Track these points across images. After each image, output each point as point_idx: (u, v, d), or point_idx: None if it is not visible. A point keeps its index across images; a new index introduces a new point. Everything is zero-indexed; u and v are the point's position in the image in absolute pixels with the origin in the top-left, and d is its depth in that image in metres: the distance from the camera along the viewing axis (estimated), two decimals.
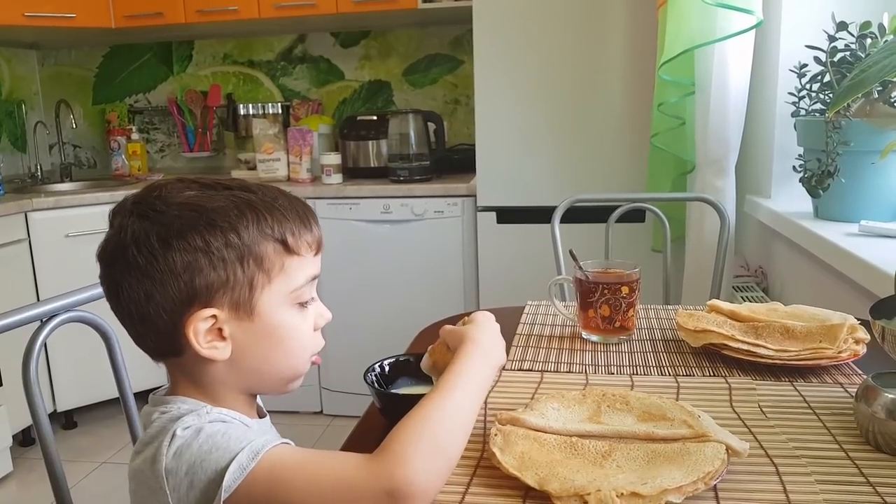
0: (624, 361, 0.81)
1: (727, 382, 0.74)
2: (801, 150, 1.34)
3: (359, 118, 2.38)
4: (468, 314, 0.66)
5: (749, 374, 0.76)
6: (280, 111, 2.64)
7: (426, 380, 0.71)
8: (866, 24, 1.19)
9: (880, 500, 0.52)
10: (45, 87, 2.88)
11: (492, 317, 0.65)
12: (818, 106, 1.31)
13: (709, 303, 0.89)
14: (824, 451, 0.59)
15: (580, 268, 0.87)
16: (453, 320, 0.70)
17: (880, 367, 0.68)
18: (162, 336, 0.54)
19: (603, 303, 0.85)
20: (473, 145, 2.03)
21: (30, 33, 2.51)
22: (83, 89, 2.85)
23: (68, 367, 2.20)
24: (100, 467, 2.06)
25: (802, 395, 0.70)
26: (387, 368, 0.73)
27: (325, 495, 0.47)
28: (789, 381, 0.74)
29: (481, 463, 0.58)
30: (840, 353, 0.75)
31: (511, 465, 0.54)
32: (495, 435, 0.59)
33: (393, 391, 0.71)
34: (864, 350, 0.77)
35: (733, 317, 0.85)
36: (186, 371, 0.56)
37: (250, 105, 2.68)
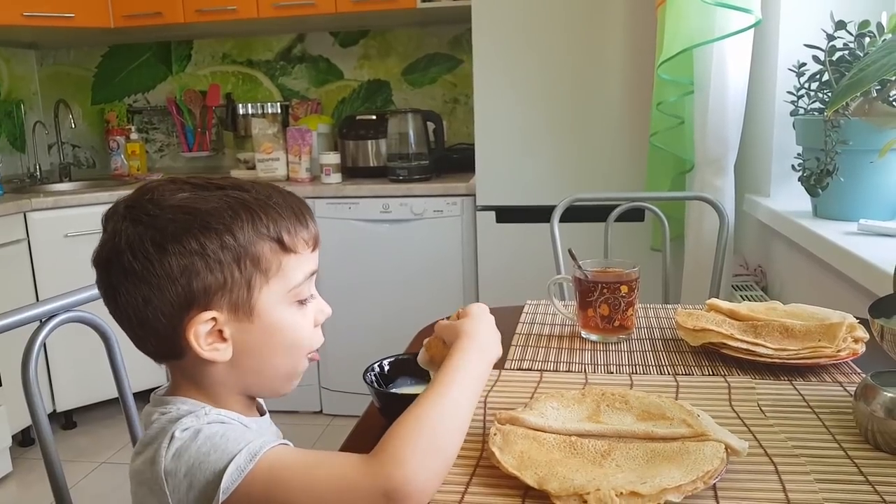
0: (623, 361, 0.81)
1: (726, 381, 0.74)
2: (799, 149, 1.34)
3: (358, 118, 2.38)
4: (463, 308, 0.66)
5: (748, 373, 0.76)
6: (279, 111, 2.64)
7: (426, 379, 0.71)
8: (865, 23, 1.19)
9: (879, 498, 0.52)
10: (43, 86, 2.88)
11: (486, 308, 0.64)
12: (817, 105, 1.31)
13: (708, 302, 0.89)
14: (823, 450, 0.59)
15: (579, 267, 0.87)
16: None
17: (879, 365, 0.68)
18: (162, 339, 0.54)
19: (602, 302, 0.85)
20: (472, 145, 2.03)
21: (29, 33, 2.51)
22: (82, 89, 2.85)
23: (68, 368, 2.20)
24: (99, 467, 2.06)
25: (801, 394, 0.70)
26: (386, 368, 0.73)
27: (322, 496, 0.47)
28: (788, 380, 0.74)
29: (480, 462, 0.58)
30: (839, 351, 0.75)
31: (510, 464, 0.54)
32: (494, 434, 0.59)
33: (392, 391, 0.71)
34: (863, 349, 0.77)
35: (732, 316, 0.85)
36: (187, 373, 0.56)
37: (249, 105, 2.68)
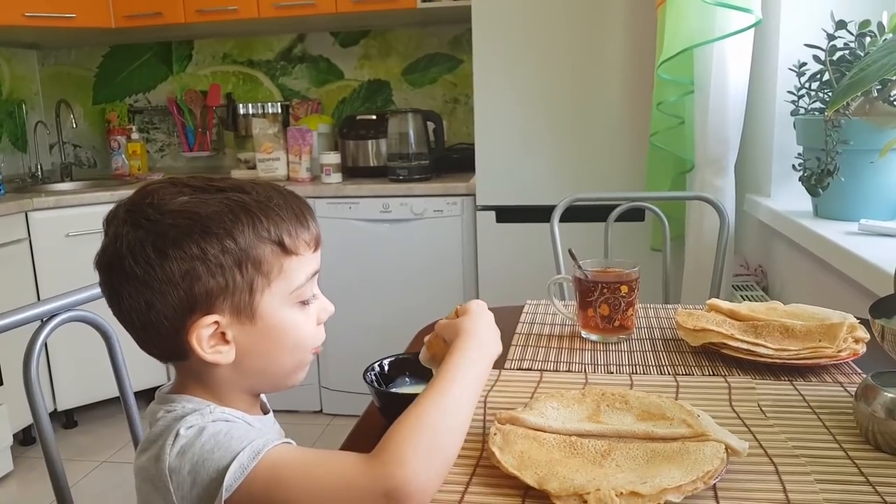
0: (623, 361, 0.81)
1: (726, 382, 0.74)
2: (800, 149, 1.34)
3: (358, 117, 2.38)
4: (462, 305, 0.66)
5: (748, 374, 0.76)
6: (279, 111, 2.64)
7: (426, 379, 0.71)
8: (865, 23, 1.19)
9: (880, 499, 0.52)
10: (45, 86, 2.88)
11: (485, 305, 0.64)
12: (817, 105, 1.31)
13: (708, 302, 0.89)
14: (824, 451, 0.59)
15: (579, 267, 0.87)
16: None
17: (880, 366, 0.68)
18: (165, 342, 0.54)
19: (602, 302, 0.85)
20: (473, 144, 2.03)
21: (30, 33, 2.51)
22: (83, 89, 2.85)
23: (69, 366, 2.21)
24: (100, 466, 2.07)
25: (802, 395, 0.70)
26: (386, 367, 0.73)
27: (323, 495, 0.47)
28: (789, 380, 0.74)
29: (480, 462, 0.58)
30: (840, 352, 0.75)
31: (510, 464, 0.55)
32: (494, 434, 0.59)
33: (392, 390, 0.71)
34: (864, 349, 0.77)
35: (733, 316, 0.85)
36: (192, 373, 0.56)
37: (250, 105, 2.68)
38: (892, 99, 1.17)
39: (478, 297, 2.17)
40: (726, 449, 0.54)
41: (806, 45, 1.27)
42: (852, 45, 1.21)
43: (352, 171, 2.34)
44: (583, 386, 0.73)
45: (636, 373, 0.78)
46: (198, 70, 2.77)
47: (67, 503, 0.79)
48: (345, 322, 2.18)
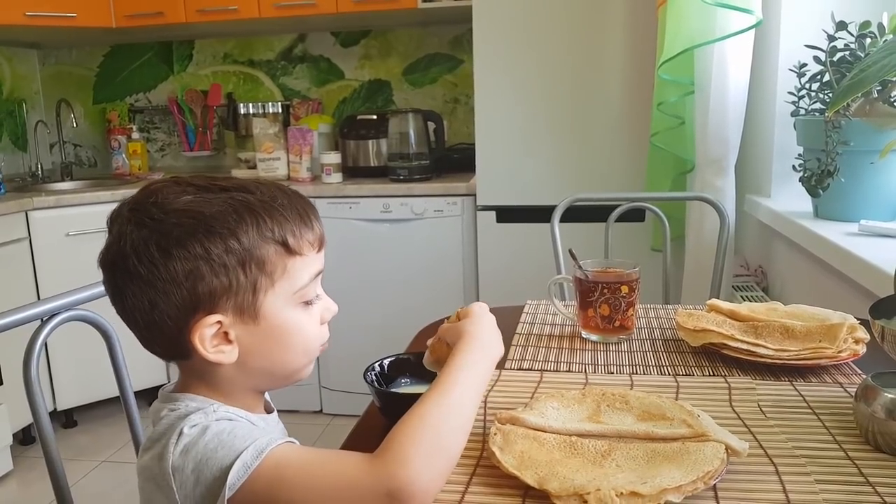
0: (623, 361, 0.81)
1: (727, 382, 0.74)
2: (800, 150, 1.34)
3: (359, 117, 2.38)
4: (463, 308, 0.66)
5: (748, 374, 0.76)
6: (280, 110, 2.64)
7: (426, 378, 0.71)
8: (866, 24, 1.19)
9: (880, 499, 0.52)
10: (45, 86, 2.88)
11: (486, 307, 0.65)
12: (818, 105, 1.31)
13: (708, 302, 0.89)
14: (824, 451, 0.59)
15: (580, 267, 0.87)
16: None
17: (880, 366, 0.68)
18: (169, 341, 0.54)
19: (602, 302, 0.85)
20: (473, 144, 2.03)
21: (31, 33, 2.51)
22: (84, 88, 2.85)
23: (68, 366, 2.21)
24: (100, 466, 2.07)
25: (802, 395, 0.70)
26: (386, 367, 0.73)
27: (325, 494, 0.47)
28: (789, 380, 0.74)
29: (481, 462, 0.58)
30: (840, 352, 0.75)
31: (510, 464, 0.55)
32: (495, 434, 0.59)
33: (393, 390, 0.71)
34: (864, 350, 0.77)
35: (733, 316, 0.85)
36: (196, 372, 0.56)
37: (250, 104, 2.68)
38: (892, 100, 1.17)
39: (478, 298, 2.19)
40: (726, 449, 0.54)
41: (806, 45, 1.27)
42: (853, 45, 1.21)
43: (352, 171, 2.34)
44: (583, 386, 0.74)
45: (636, 373, 0.78)
46: (198, 70, 2.77)
47: (67, 503, 0.79)
48: (345, 322, 2.17)
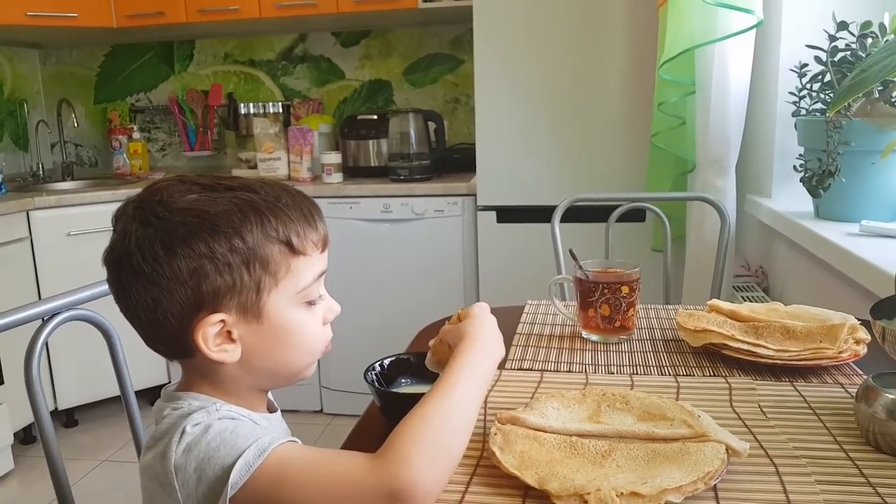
0: (624, 361, 0.81)
1: (727, 382, 0.74)
2: (801, 150, 1.34)
3: (359, 117, 2.39)
4: (465, 308, 0.66)
5: (749, 374, 0.76)
6: (281, 110, 2.65)
7: (426, 379, 0.71)
8: (867, 24, 1.19)
9: (880, 500, 0.52)
10: (46, 86, 2.88)
11: (487, 307, 0.65)
12: (819, 105, 1.31)
13: (709, 302, 0.89)
14: (824, 452, 0.59)
15: (580, 267, 0.87)
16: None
17: (881, 367, 0.68)
18: (172, 339, 0.54)
19: (603, 302, 0.85)
20: (473, 144, 2.03)
21: (32, 33, 2.52)
22: (85, 88, 2.86)
23: (69, 365, 2.21)
24: (100, 465, 2.07)
25: (803, 396, 0.70)
26: (387, 367, 0.73)
27: (328, 494, 0.47)
28: (789, 381, 0.74)
29: (481, 462, 0.58)
30: (840, 353, 0.75)
31: (511, 464, 0.55)
32: (495, 434, 0.59)
33: (393, 390, 0.71)
34: (865, 350, 0.77)
35: (733, 317, 0.85)
36: (198, 370, 0.56)
37: (251, 104, 2.68)
38: (893, 100, 1.17)
39: (478, 298, 2.19)
40: (727, 449, 0.54)
41: (807, 45, 1.27)
42: (853, 46, 1.21)
43: (353, 171, 2.34)
44: (583, 386, 0.74)
45: (637, 373, 0.78)
46: (199, 70, 2.77)
47: (68, 502, 0.79)
48: (345, 322, 2.16)
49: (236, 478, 0.47)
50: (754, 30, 1.40)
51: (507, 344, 0.67)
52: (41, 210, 2.13)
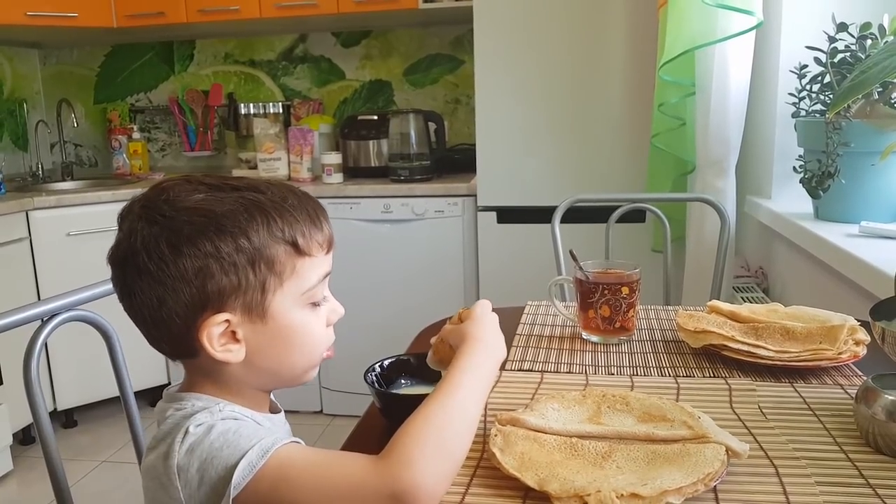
0: (624, 362, 0.81)
1: (727, 383, 0.74)
2: (801, 151, 1.34)
3: (359, 118, 2.39)
4: (466, 308, 0.66)
5: (749, 375, 0.76)
6: (281, 110, 2.65)
7: (427, 380, 0.71)
8: (866, 25, 1.19)
9: (880, 501, 0.52)
10: (46, 86, 2.88)
11: (489, 306, 0.65)
12: (818, 107, 1.31)
13: (709, 303, 0.89)
14: (824, 453, 0.59)
15: (580, 268, 0.87)
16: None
17: (880, 368, 0.68)
18: (176, 339, 0.54)
19: (603, 303, 0.85)
20: (474, 145, 2.03)
21: (32, 32, 2.52)
22: (85, 88, 2.86)
23: (69, 366, 2.21)
24: (100, 466, 2.07)
25: (802, 397, 0.70)
26: (387, 368, 0.73)
27: (330, 495, 0.47)
28: (789, 382, 0.74)
29: (481, 463, 0.58)
30: (840, 354, 0.75)
31: (511, 465, 0.55)
32: (495, 435, 0.59)
33: (393, 391, 0.71)
34: (865, 351, 0.77)
35: (733, 318, 0.85)
36: (202, 371, 0.56)
37: (251, 104, 2.68)
38: (892, 101, 1.17)
39: (478, 298, 2.18)
40: (727, 451, 0.54)
41: (807, 47, 1.27)
42: (853, 47, 1.21)
43: (353, 172, 2.34)
44: (583, 387, 0.74)
45: (637, 374, 0.78)
46: (199, 70, 2.77)
47: (67, 503, 0.79)
48: (345, 322, 2.15)
49: (239, 478, 0.47)
50: (754, 31, 1.40)
51: (508, 345, 0.67)
52: (41, 210, 2.13)
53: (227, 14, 2.33)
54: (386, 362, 0.73)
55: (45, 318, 0.79)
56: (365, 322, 2.19)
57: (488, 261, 2.08)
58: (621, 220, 1.43)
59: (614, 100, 1.91)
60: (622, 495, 0.49)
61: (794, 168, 1.34)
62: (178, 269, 0.51)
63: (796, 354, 0.76)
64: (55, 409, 2.22)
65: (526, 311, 1.02)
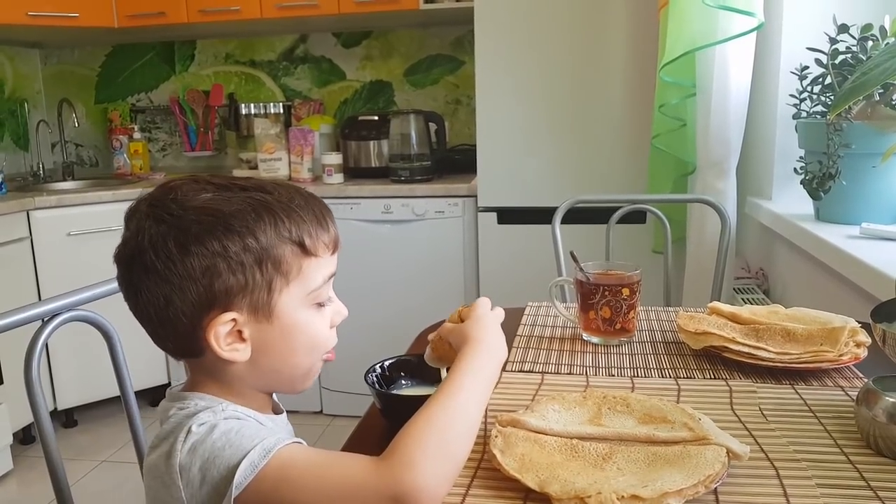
0: (624, 363, 0.81)
1: (728, 385, 0.74)
2: (802, 153, 1.34)
3: (360, 118, 2.39)
4: (466, 306, 0.66)
5: (750, 377, 0.76)
6: (281, 111, 2.65)
7: (427, 380, 0.71)
8: (867, 27, 1.19)
9: None
10: (47, 86, 2.88)
11: (488, 304, 0.64)
12: (819, 108, 1.31)
13: (709, 305, 0.89)
14: (825, 455, 0.59)
15: (581, 269, 0.87)
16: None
17: (881, 370, 0.68)
18: (182, 338, 0.54)
19: (604, 304, 0.85)
20: (474, 145, 2.03)
21: (33, 32, 2.52)
22: (86, 88, 2.86)
23: (69, 365, 2.21)
24: (100, 465, 2.07)
25: (803, 399, 0.70)
26: (387, 369, 0.73)
27: (331, 496, 0.47)
28: (790, 383, 0.74)
29: (482, 465, 0.58)
30: (841, 356, 0.75)
31: (511, 466, 0.54)
32: (496, 437, 0.59)
33: (394, 392, 0.71)
34: (865, 353, 0.77)
35: (734, 319, 0.85)
36: (206, 370, 0.57)
37: (252, 105, 2.68)
38: (893, 103, 1.17)
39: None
40: (728, 453, 0.54)
41: (808, 48, 1.27)
42: (854, 48, 1.21)
43: (353, 172, 2.34)
44: (584, 388, 0.73)
45: (637, 376, 0.78)
46: (200, 70, 2.77)
47: (67, 502, 0.79)
48: (346, 322, 2.16)
49: (241, 478, 0.47)
50: (755, 32, 1.40)
51: (508, 346, 0.67)
52: (41, 210, 2.13)
53: (228, 14, 2.33)
54: (386, 363, 0.73)
55: (45, 319, 0.79)
56: (365, 322, 2.19)
57: (489, 261, 2.07)
58: (622, 220, 1.43)
59: (615, 101, 1.91)
60: (623, 497, 0.49)
61: (795, 169, 1.34)
62: (186, 268, 0.51)
63: (797, 356, 0.75)
64: (55, 408, 2.22)
65: (526, 312, 1.02)
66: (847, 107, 1.13)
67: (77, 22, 2.37)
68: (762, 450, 0.59)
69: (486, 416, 0.67)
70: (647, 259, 1.77)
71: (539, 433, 0.59)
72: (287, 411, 0.65)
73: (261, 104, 2.68)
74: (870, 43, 1.19)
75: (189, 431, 0.50)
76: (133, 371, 0.89)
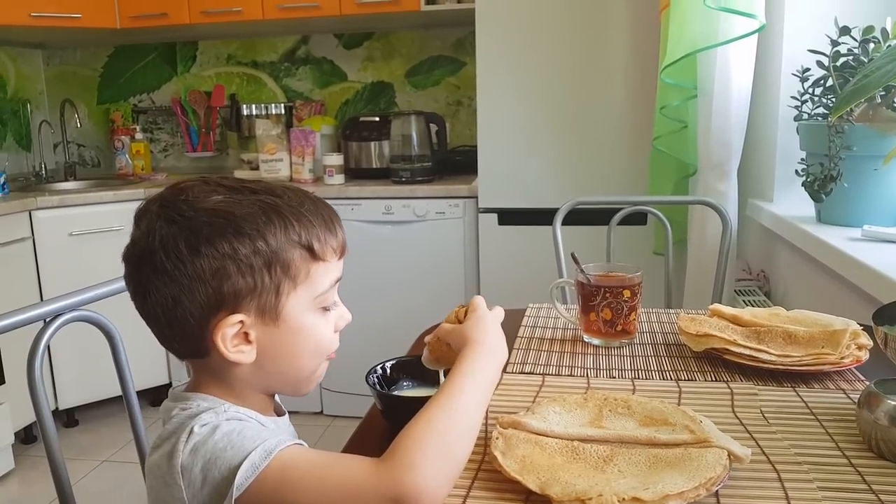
0: (626, 365, 0.81)
1: (729, 387, 0.74)
2: (803, 154, 1.34)
3: (361, 119, 2.39)
4: (463, 306, 0.66)
5: (751, 380, 0.76)
6: (283, 112, 2.65)
7: (428, 381, 0.71)
8: (869, 29, 1.19)
9: None
10: (50, 86, 2.89)
11: (483, 302, 0.64)
12: (821, 110, 1.31)
13: (711, 307, 0.89)
14: (826, 458, 0.59)
15: (582, 271, 0.87)
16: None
17: (883, 373, 0.68)
18: (188, 339, 0.54)
19: (605, 306, 0.85)
20: (475, 147, 2.04)
21: (35, 33, 2.52)
22: (88, 89, 2.86)
23: (70, 365, 2.21)
24: (101, 465, 2.07)
25: (805, 401, 0.70)
26: (388, 370, 0.73)
27: (332, 497, 0.47)
28: (792, 386, 0.74)
29: (482, 466, 0.58)
30: (843, 358, 0.75)
31: (512, 468, 0.54)
32: (497, 438, 0.59)
33: (395, 393, 0.71)
34: (867, 356, 0.77)
35: (735, 321, 0.85)
36: (211, 371, 0.57)
37: (253, 105, 2.68)
38: (895, 105, 1.17)
39: None
40: (729, 455, 0.54)
41: (809, 50, 1.27)
42: (856, 50, 1.21)
43: (354, 173, 2.34)
44: (585, 390, 0.73)
45: (638, 378, 0.78)
46: (202, 71, 2.78)
47: (69, 502, 0.79)
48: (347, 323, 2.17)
49: (242, 479, 0.48)
50: (756, 34, 1.40)
51: (509, 347, 0.67)
52: (44, 210, 2.13)
53: (230, 15, 2.33)
54: (387, 364, 0.73)
55: (47, 319, 0.79)
56: (366, 323, 2.19)
57: (489, 262, 2.07)
58: (623, 222, 1.43)
59: (616, 102, 1.91)
60: (624, 499, 0.49)
61: (797, 171, 1.34)
62: (196, 269, 0.52)
63: (798, 359, 0.75)
64: (56, 408, 2.23)
65: (527, 313, 1.02)
66: (848, 109, 1.12)
67: (79, 23, 2.37)
68: (763, 452, 0.59)
69: (486, 418, 0.67)
70: (648, 261, 1.76)
71: (540, 435, 0.59)
72: (288, 412, 0.65)
73: (262, 105, 2.68)
74: (871, 45, 1.19)
75: (191, 432, 0.50)
76: (135, 371, 0.89)
